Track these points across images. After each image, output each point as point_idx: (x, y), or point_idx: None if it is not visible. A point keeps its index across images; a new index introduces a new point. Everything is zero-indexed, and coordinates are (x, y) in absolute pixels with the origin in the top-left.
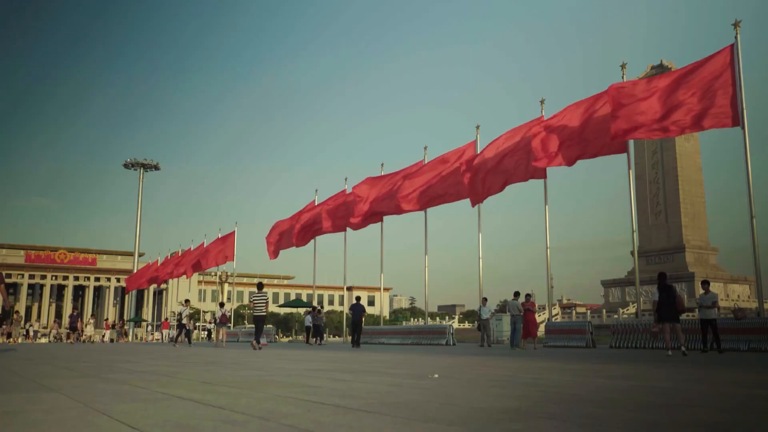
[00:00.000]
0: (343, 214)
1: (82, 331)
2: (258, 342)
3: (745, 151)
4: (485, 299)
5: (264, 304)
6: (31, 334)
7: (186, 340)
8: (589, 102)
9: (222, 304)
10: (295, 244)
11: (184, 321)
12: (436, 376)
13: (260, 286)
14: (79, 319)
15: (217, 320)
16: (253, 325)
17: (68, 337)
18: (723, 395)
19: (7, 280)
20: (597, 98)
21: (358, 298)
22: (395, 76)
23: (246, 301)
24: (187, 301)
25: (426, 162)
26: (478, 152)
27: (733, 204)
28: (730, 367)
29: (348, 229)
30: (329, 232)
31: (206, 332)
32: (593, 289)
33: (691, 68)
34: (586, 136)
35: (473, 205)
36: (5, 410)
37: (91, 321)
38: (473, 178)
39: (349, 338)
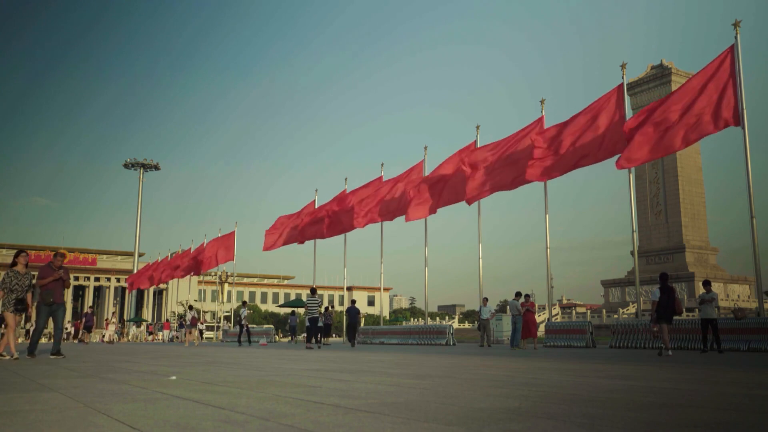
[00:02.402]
0: (347, 218)
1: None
2: (317, 342)
3: (745, 151)
4: (486, 299)
5: (317, 307)
6: (31, 334)
7: (246, 339)
8: (592, 112)
9: (191, 307)
10: (298, 241)
11: (243, 321)
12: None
13: (313, 291)
14: (94, 318)
15: (188, 322)
16: (254, 326)
17: (75, 336)
18: (723, 395)
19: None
20: (601, 106)
21: (353, 302)
22: (395, 76)
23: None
24: (244, 302)
25: (426, 162)
26: (479, 147)
27: (733, 204)
28: (730, 367)
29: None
30: (332, 235)
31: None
32: (593, 289)
33: (696, 80)
34: (588, 145)
35: (470, 203)
36: (5, 410)
37: (113, 320)
38: (473, 176)
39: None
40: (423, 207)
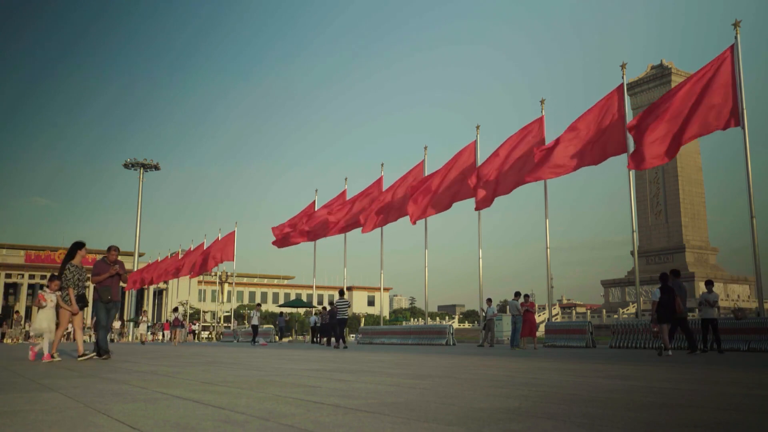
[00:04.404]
0: (353, 218)
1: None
2: (343, 343)
3: (745, 151)
4: (490, 299)
5: (346, 309)
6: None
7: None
8: (594, 112)
9: (176, 309)
10: (308, 239)
11: (255, 322)
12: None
13: (342, 292)
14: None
15: (172, 322)
16: (250, 327)
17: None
18: (723, 395)
19: (7, 281)
20: (602, 106)
21: (342, 292)
22: (395, 76)
23: (246, 301)
24: (259, 305)
25: (426, 162)
26: (481, 157)
27: (733, 204)
28: (730, 367)
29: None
30: (337, 233)
31: (192, 332)
32: (593, 289)
33: (698, 77)
34: (591, 144)
35: (478, 208)
36: (5, 410)
37: (143, 319)
38: (479, 181)
39: (351, 338)
40: (422, 208)
